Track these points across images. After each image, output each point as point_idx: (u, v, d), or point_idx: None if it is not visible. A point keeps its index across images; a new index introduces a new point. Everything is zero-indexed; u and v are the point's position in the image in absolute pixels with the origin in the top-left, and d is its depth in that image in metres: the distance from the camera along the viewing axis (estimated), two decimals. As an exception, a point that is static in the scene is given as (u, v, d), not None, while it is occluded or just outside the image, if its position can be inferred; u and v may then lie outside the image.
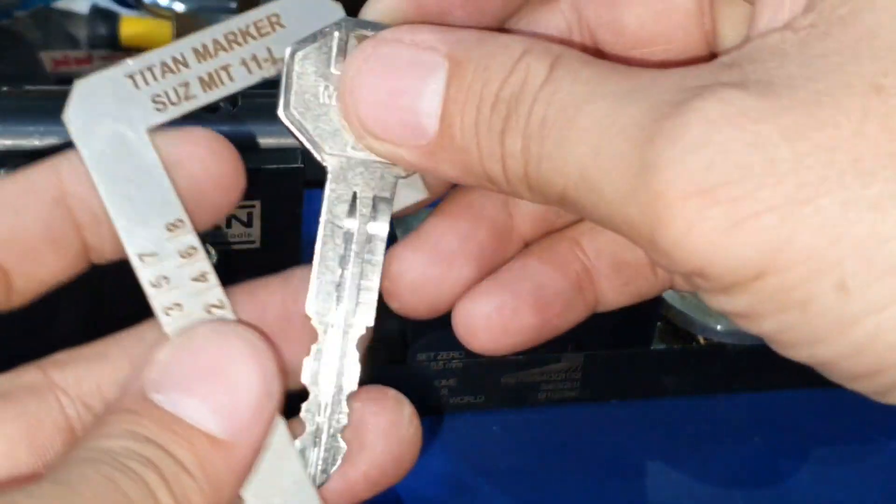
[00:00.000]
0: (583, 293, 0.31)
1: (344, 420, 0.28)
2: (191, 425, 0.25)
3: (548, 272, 0.31)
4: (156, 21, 0.76)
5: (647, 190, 0.23)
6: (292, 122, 0.28)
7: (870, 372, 0.23)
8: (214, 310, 0.27)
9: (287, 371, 0.28)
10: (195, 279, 0.27)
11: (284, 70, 0.28)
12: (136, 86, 0.27)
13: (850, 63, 0.23)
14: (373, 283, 0.28)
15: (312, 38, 0.28)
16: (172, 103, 0.27)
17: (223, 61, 0.27)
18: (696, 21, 0.30)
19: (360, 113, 0.27)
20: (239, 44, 0.28)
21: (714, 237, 0.22)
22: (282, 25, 0.28)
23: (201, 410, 0.25)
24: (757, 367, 0.57)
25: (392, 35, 0.27)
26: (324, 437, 0.28)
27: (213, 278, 0.27)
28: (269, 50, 0.28)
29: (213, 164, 0.28)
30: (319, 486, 0.28)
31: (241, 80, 0.28)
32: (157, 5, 0.77)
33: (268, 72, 0.28)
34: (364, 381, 0.28)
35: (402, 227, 0.48)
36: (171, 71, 0.27)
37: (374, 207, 0.28)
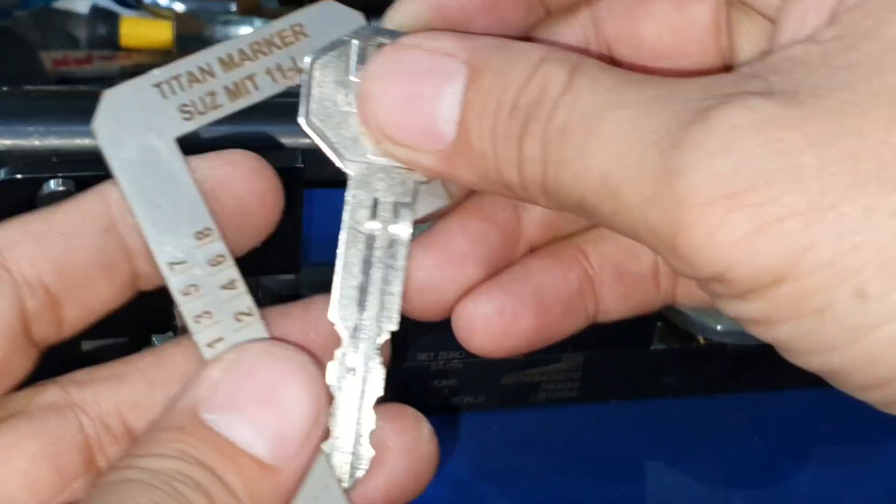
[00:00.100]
0: (584, 301, 0.31)
1: (371, 425, 0.28)
2: (241, 449, 0.25)
3: (550, 277, 0.31)
4: (156, 21, 0.76)
5: (671, 194, 0.23)
6: (313, 130, 0.28)
7: (881, 382, 0.23)
8: (243, 317, 0.28)
9: None
10: (224, 287, 0.27)
11: (305, 78, 0.28)
12: (164, 95, 0.27)
13: (875, 74, 0.23)
14: (395, 289, 0.29)
15: (332, 46, 0.28)
16: (199, 112, 0.27)
17: (249, 71, 0.28)
18: (712, 36, 0.30)
19: (378, 117, 0.27)
20: (264, 53, 0.28)
21: (736, 241, 0.23)
22: (305, 35, 0.28)
23: (252, 434, 0.26)
24: (757, 367, 0.57)
25: (412, 41, 0.27)
26: (350, 441, 0.28)
27: (241, 286, 0.28)
28: (293, 59, 0.28)
29: (253, 185, 0.28)
30: (347, 491, 0.28)
31: (266, 89, 0.28)
32: (157, 5, 0.77)
33: (292, 81, 0.28)
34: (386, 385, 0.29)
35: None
36: (198, 80, 0.28)
37: (396, 213, 0.29)
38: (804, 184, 0.22)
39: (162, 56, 0.75)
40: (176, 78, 0.27)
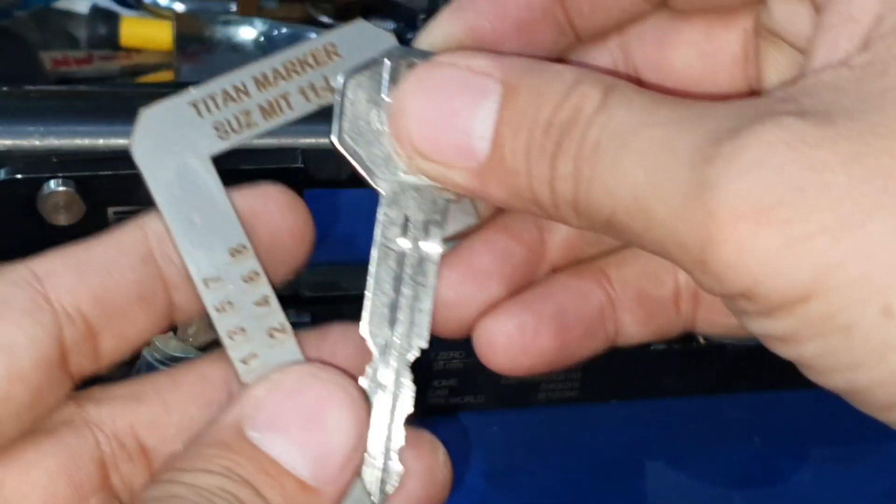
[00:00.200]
0: (604, 323, 0.31)
1: (401, 441, 0.28)
2: (284, 468, 0.26)
3: (571, 298, 0.31)
4: (156, 21, 0.77)
5: (702, 208, 0.23)
6: (345, 149, 0.28)
7: None
8: (276, 333, 0.28)
9: None
10: (257, 303, 0.28)
11: (337, 97, 0.28)
12: (199, 114, 0.28)
13: None
14: (425, 306, 0.29)
15: (365, 66, 0.28)
16: (234, 131, 0.28)
17: (283, 90, 0.28)
18: (740, 65, 0.31)
19: (411, 133, 0.27)
20: (297, 72, 0.28)
21: (766, 257, 0.23)
22: (338, 55, 0.29)
23: (295, 454, 0.26)
24: (757, 367, 0.57)
25: (447, 59, 0.27)
26: (381, 457, 0.28)
27: (274, 302, 0.28)
28: (325, 78, 0.28)
29: (288, 219, 0.28)
30: None
31: (300, 108, 0.28)
32: (157, 5, 0.77)
33: (325, 100, 0.29)
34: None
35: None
36: (233, 99, 0.28)
37: (426, 231, 0.29)
38: (834, 201, 0.22)
39: (162, 56, 0.75)
40: (211, 96, 0.28)
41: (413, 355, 0.29)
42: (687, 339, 0.57)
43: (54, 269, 0.27)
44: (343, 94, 0.28)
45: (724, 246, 0.23)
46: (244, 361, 0.28)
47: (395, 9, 0.77)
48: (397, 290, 0.29)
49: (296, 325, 0.28)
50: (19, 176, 0.43)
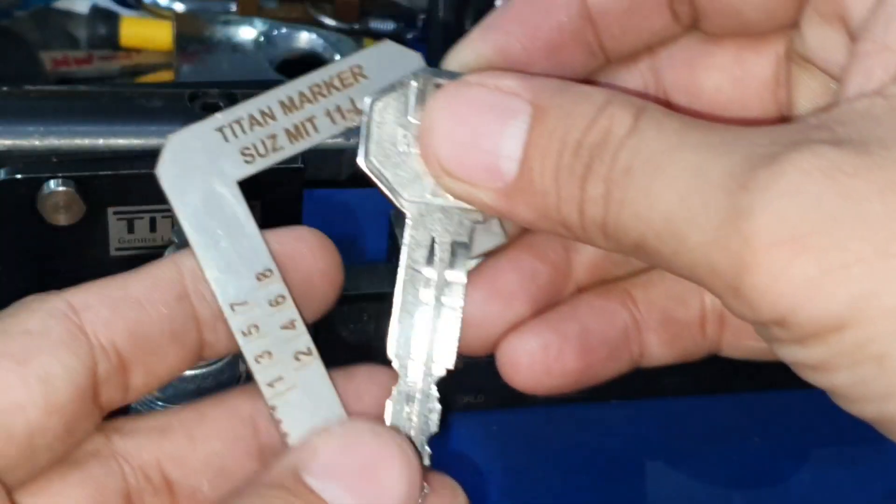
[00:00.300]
0: (629, 344, 0.31)
1: (426, 460, 0.29)
2: None
3: (596, 318, 0.31)
4: (156, 21, 0.77)
5: (737, 235, 0.23)
6: (372, 171, 0.28)
7: None
8: (302, 356, 0.28)
9: None
10: (284, 327, 0.28)
11: (364, 120, 0.28)
12: (226, 139, 0.28)
13: None
14: (452, 328, 0.29)
15: (391, 87, 0.28)
16: (261, 155, 0.28)
17: (309, 113, 0.28)
18: (771, 90, 0.30)
19: (439, 152, 0.27)
20: (323, 95, 0.28)
21: (801, 285, 0.23)
22: (364, 76, 0.28)
23: (350, 501, 0.26)
24: (757, 367, 0.57)
25: (476, 79, 0.27)
26: None
27: (300, 325, 0.28)
28: (352, 101, 0.28)
29: (318, 261, 0.29)
30: None
31: (326, 130, 0.28)
32: (157, 5, 0.77)
33: (351, 122, 0.28)
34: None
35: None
36: (259, 124, 0.28)
37: (453, 252, 0.29)
38: (870, 230, 0.22)
39: (162, 56, 0.75)
40: (238, 121, 0.28)
41: (438, 375, 0.29)
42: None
43: (90, 302, 0.27)
44: (370, 117, 0.28)
45: (759, 273, 0.23)
46: (270, 385, 0.28)
47: (395, 9, 0.77)
48: (424, 313, 0.29)
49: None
50: (19, 176, 0.43)
